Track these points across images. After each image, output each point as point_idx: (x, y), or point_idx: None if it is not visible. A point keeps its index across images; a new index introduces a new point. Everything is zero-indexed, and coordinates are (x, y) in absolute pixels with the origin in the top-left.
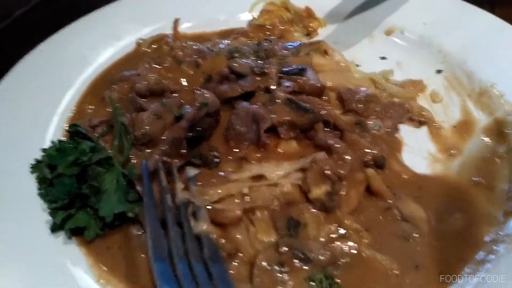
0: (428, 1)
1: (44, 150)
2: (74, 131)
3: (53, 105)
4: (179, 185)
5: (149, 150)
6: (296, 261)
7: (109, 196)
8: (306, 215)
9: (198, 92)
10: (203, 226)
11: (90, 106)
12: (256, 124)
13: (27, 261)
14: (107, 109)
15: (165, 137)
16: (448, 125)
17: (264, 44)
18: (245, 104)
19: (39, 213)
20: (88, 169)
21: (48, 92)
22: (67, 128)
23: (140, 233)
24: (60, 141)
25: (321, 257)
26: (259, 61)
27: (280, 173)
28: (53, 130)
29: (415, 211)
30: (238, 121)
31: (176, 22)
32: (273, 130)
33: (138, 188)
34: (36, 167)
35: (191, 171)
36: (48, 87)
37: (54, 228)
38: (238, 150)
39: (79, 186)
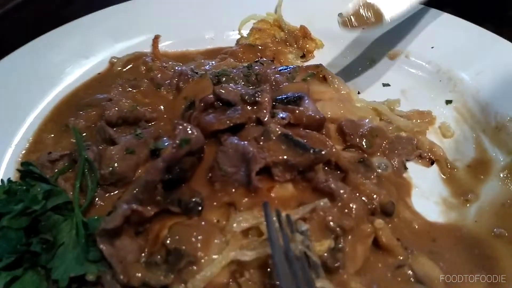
0: (436, 23)
1: None
2: (27, 171)
3: (8, 133)
4: (298, 237)
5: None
6: None
7: (66, 254)
8: None
9: (180, 126)
10: (325, 283)
11: (50, 135)
12: (247, 164)
13: None
14: (71, 140)
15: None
16: (461, 164)
17: (255, 67)
18: (234, 139)
19: None
20: (41, 218)
21: (3, 117)
22: (21, 161)
23: None
24: (9, 181)
25: None
26: (249, 87)
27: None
28: (5, 164)
29: (430, 270)
30: (225, 160)
31: (156, 39)
32: (265, 171)
33: (101, 245)
34: None
35: (303, 226)
36: (3, 112)
37: None
38: (224, 195)
39: (28, 241)
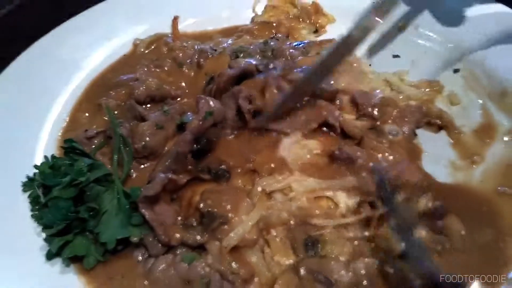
0: None
1: (36, 166)
2: (70, 147)
3: (44, 114)
4: None
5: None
6: (318, 285)
7: (110, 219)
8: (325, 232)
9: (202, 100)
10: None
11: (85, 114)
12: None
13: None
14: (104, 117)
15: (168, 149)
16: (468, 129)
17: (271, 43)
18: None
19: (32, 238)
20: (86, 189)
21: (38, 100)
22: (60, 139)
23: (145, 258)
24: (54, 157)
25: (344, 279)
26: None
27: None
28: (46, 142)
29: (454, 223)
30: (226, 108)
31: (175, 20)
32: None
33: (143, 211)
34: (29, 185)
35: None
36: (38, 96)
37: (50, 256)
38: (247, 162)
39: (76, 209)
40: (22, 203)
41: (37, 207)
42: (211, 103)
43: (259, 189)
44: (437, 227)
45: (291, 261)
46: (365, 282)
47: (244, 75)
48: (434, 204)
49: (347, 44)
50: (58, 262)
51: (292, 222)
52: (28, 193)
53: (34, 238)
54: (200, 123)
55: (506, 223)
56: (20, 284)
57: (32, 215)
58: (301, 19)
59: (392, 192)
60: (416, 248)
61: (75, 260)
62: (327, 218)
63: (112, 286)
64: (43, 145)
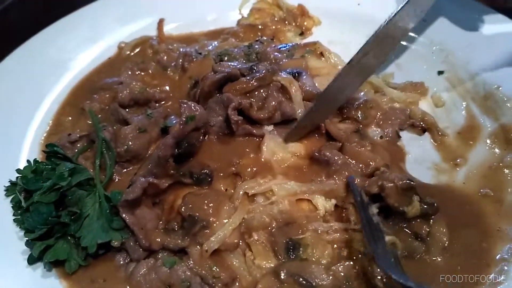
0: None
1: (19, 171)
2: (51, 151)
3: (28, 118)
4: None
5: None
6: None
7: (91, 224)
8: (306, 235)
9: (184, 105)
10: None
11: (68, 118)
12: (226, 107)
13: None
14: (87, 121)
15: (151, 153)
16: (452, 131)
17: (256, 46)
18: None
19: (15, 242)
20: (67, 194)
21: (22, 104)
22: (43, 142)
23: (127, 262)
24: (36, 162)
25: (325, 282)
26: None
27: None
28: (29, 146)
29: (442, 235)
30: (211, 114)
31: (160, 23)
32: None
33: (124, 215)
34: (11, 190)
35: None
36: (22, 99)
37: (32, 260)
38: (230, 165)
39: (57, 213)
40: (6, 208)
41: (19, 211)
42: (193, 107)
43: (241, 192)
44: (422, 232)
45: (272, 264)
46: (345, 285)
47: (228, 79)
48: (425, 200)
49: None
50: (40, 267)
51: (274, 225)
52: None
53: (17, 243)
54: (181, 127)
55: (488, 224)
56: None
57: (14, 220)
58: (286, 22)
59: (367, 203)
60: (385, 255)
61: (57, 264)
62: (308, 221)
63: None
64: (27, 149)
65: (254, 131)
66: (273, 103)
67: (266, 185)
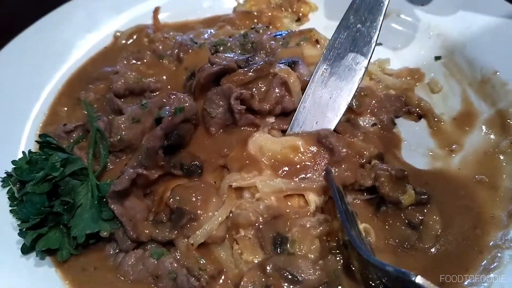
0: None
1: (14, 162)
2: (44, 142)
3: (25, 109)
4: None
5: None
6: (284, 283)
7: (83, 214)
8: (294, 229)
9: (173, 96)
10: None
11: (64, 108)
12: (228, 98)
13: None
14: (83, 111)
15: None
16: (448, 117)
17: (251, 35)
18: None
19: (11, 232)
20: (61, 184)
21: (19, 95)
22: (39, 133)
23: (116, 252)
24: (30, 153)
25: (311, 277)
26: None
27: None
28: (26, 137)
29: (434, 223)
30: (211, 104)
31: (156, 11)
32: None
33: (112, 206)
34: (6, 181)
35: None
36: (18, 90)
37: (25, 250)
38: (219, 157)
39: (50, 203)
40: (2, 199)
41: (15, 202)
42: (182, 99)
43: (226, 185)
44: (415, 220)
45: (259, 259)
46: (332, 278)
47: (225, 72)
48: (417, 190)
49: None
50: (33, 256)
51: (261, 220)
52: (6, 189)
53: (13, 234)
54: (170, 119)
55: (483, 210)
56: None
57: (10, 211)
58: (283, 8)
59: (341, 194)
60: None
61: (50, 253)
62: (298, 216)
63: (85, 277)
64: (25, 140)
65: (257, 121)
66: (274, 95)
67: (249, 180)
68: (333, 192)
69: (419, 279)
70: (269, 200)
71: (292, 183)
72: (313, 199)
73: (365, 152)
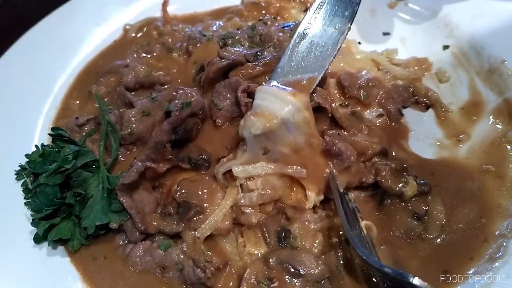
0: None
1: (27, 155)
2: (57, 135)
3: (38, 103)
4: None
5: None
6: (287, 276)
7: (93, 205)
8: (297, 224)
9: (180, 91)
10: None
11: (76, 102)
12: (235, 91)
13: (10, 274)
14: (95, 104)
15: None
16: (456, 107)
17: (259, 27)
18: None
19: (25, 223)
20: (72, 176)
21: (31, 90)
22: (52, 126)
23: (125, 243)
24: (43, 146)
25: (313, 271)
26: (254, 48)
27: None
28: (39, 130)
29: (439, 213)
30: (219, 97)
31: (165, 3)
32: None
33: (121, 198)
34: (21, 174)
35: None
36: (31, 85)
37: (38, 239)
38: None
39: (62, 195)
40: (17, 192)
41: (29, 194)
42: (189, 94)
43: (219, 174)
44: (420, 211)
45: (262, 251)
46: (335, 272)
47: (233, 65)
48: (419, 181)
49: None
50: (46, 245)
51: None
52: (21, 182)
53: (27, 224)
54: (177, 113)
55: (489, 200)
56: (9, 265)
57: (25, 203)
58: None
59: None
60: (361, 241)
61: (63, 242)
62: (297, 211)
63: (95, 267)
64: (38, 133)
65: None
66: None
67: (227, 164)
68: (335, 194)
69: (416, 281)
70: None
71: (273, 166)
72: (313, 197)
73: (369, 151)
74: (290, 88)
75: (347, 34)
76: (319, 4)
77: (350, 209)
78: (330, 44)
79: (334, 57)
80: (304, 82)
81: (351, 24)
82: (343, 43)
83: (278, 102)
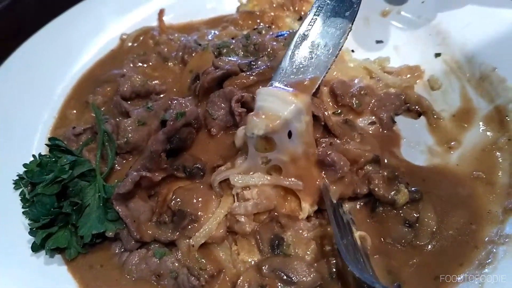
0: None
1: (25, 165)
2: (53, 145)
3: (35, 113)
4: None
5: (134, 158)
6: (280, 283)
7: (90, 214)
8: (290, 232)
9: (174, 101)
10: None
11: (73, 111)
12: (229, 100)
13: (8, 283)
14: (92, 114)
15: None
16: (447, 114)
17: (253, 37)
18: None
19: (22, 232)
20: (69, 185)
21: (29, 100)
22: (50, 136)
23: (121, 251)
24: (40, 156)
25: (306, 279)
26: (248, 57)
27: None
28: (37, 140)
29: (430, 220)
30: (213, 106)
31: (161, 13)
32: None
33: (117, 207)
34: (18, 183)
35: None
36: (29, 95)
37: (35, 248)
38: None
39: (59, 204)
40: (15, 201)
41: (27, 204)
42: (183, 104)
43: (215, 183)
44: (411, 218)
45: (255, 259)
46: (326, 282)
47: (228, 76)
48: (410, 188)
49: None
50: (43, 254)
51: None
52: (19, 191)
53: (24, 234)
54: (172, 123)
55: (479, 206)
56: (7, 274)
57: (23, 212)
58: (285, 7)
59: (336, 203)
60: (353, 253)
61: (60, 251)
62: (291, 220)
63: (92, 275)
64: (36, 143)
65: None
66: None
67: (225, 173)
68: (327, 205)
69: None
70: (260, 200)
71: (271, 178)
72: (307, 209)
73: (361, 159)
74: (292, 89)
75: (348, 34)
76: (319, 6)
77: (344, 221)
78: (332, 44)
79: (336, 57)
80: (306, 82)
81: (352, 24)
82: (344, 44)
83: (280, 103)
